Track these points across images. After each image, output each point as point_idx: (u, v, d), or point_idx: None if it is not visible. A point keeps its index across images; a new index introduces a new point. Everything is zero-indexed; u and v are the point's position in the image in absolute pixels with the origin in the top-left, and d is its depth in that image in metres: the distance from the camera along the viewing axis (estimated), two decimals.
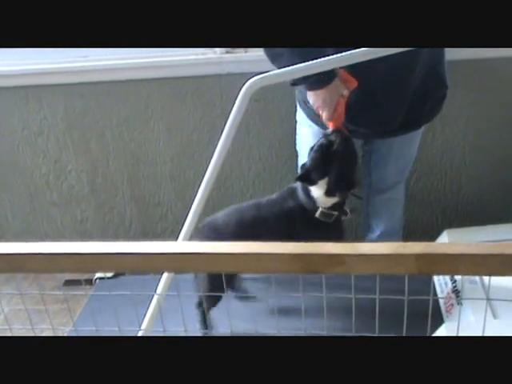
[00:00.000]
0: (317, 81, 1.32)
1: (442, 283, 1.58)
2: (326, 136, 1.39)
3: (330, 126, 1.40)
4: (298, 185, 1.45)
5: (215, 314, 1.49)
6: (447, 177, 2.02)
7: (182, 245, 0.77)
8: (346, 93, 1.37)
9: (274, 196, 1.50)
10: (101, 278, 1.86)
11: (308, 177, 1.39)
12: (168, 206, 2.16)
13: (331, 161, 1.36)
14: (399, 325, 0.82)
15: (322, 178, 1.38)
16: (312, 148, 1.41)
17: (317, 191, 1.39)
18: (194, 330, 1.41)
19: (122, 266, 0.75)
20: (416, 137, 1.66)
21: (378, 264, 0.68)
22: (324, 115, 1.39)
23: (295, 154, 1.76)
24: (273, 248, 0.70)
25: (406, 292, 0.76)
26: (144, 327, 1.21)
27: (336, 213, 1.41)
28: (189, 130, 2.02)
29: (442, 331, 1.34)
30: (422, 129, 1.66)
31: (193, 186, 1.53)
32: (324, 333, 0.85)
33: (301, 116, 1.65)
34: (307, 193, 1.41)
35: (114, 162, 2.09)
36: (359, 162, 1.54)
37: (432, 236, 1.76)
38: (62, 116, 2.03)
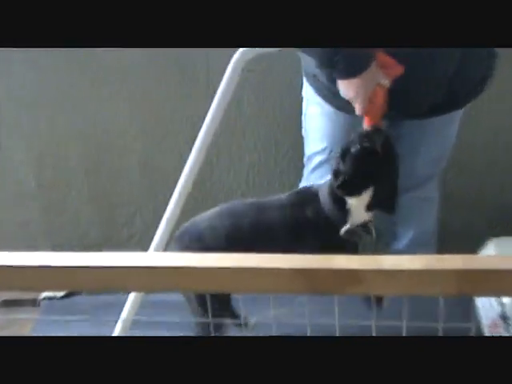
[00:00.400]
0: (347, 67, 1.32)
1: (486, 307, 1.59)
2: (364, 136, 1.39)
3: (366, 122, 1.41)
4: (320, 189, 1.45)
5: None
6: (493, 171, 2.03)
7: (153, 256, 0.76)
8: (385, 82, 1.36)
9: (282, 197, 1.50)
10: (49, 298, 1.86)
11: (350, 186, 1.40)
12: (136, 206, 2.15)
13: (375, 168, 1.39)
14: None
15: (365, 188, 1.39)
16: (346, 150, 1.41)
17: (356, 204, 1.40)
18: None
19: (77, 282, 0.75)
20: (455, 117, 1.66)
21: (406, 283, 0.68)
22: (357, 108, 1.40)
23: (301, 141, 1.76)
24: (271, 261, 0.70)
25: (442, 318, 0.76)
26: None
27: (364, 232, 1.44)
28: (165, 111, 2.01)
29: None
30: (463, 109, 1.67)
31: (168, 180, 1.52)
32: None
33: (308, 92, 1.65)
34: (340, 203, 1.41)
35: (67, 149, 2.09)
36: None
37: (474, 247, 1.77)
38: (2, 89, 2.02)
